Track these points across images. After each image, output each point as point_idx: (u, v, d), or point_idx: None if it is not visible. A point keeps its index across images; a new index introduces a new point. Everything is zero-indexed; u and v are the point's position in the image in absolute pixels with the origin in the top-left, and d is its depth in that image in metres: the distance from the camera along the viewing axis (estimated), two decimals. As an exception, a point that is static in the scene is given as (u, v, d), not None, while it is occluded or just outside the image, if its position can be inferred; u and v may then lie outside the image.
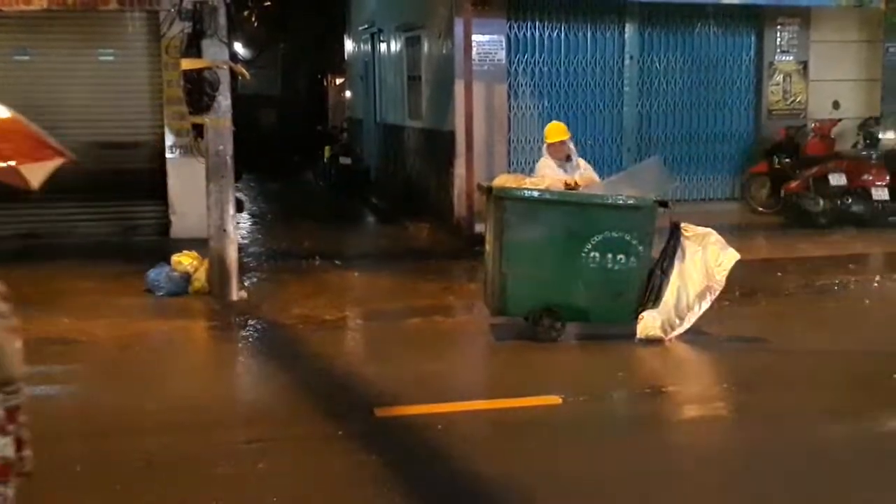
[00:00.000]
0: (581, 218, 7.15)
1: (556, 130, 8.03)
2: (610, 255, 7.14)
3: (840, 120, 12.66)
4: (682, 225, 7.26)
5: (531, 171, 8.25)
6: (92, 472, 4.81)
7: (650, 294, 7.18)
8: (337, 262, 10.45)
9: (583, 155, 12.11)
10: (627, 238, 7.14)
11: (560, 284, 7.16)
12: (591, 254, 7.14)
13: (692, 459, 5.11)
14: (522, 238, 7.16)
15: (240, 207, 11.47)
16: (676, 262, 7.17)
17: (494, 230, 7.31)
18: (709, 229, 7.33)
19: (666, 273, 7.18)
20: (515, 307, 7.33)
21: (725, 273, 7.12)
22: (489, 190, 7.43)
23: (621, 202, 7.19)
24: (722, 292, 7.18)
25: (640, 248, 7.16)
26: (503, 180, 7.76)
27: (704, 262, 7.13)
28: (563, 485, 4.69)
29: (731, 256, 7.16)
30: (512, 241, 7.16)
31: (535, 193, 7.23)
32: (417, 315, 8.06)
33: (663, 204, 7.26)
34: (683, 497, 4.59)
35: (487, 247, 7.51)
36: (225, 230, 8.44)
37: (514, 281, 7.19)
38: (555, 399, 5.86)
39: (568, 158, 7.97)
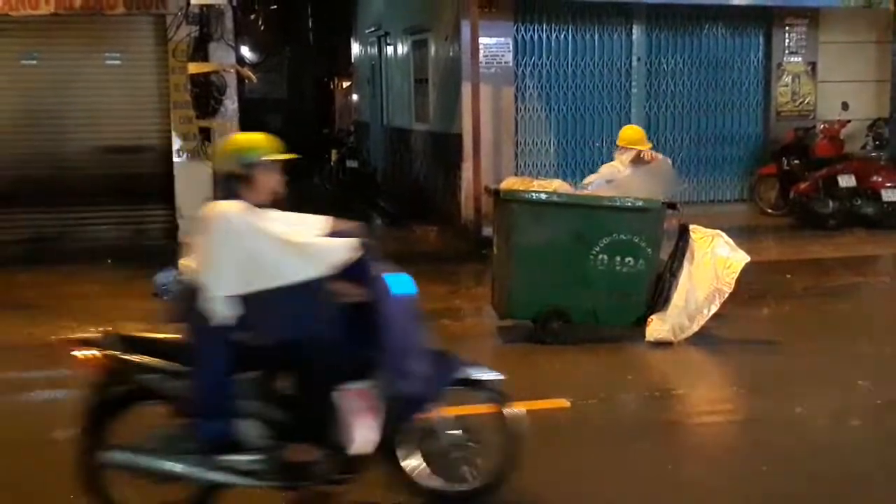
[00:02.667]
0: (589, 220, 7.12)
1: (642, 138, 7.75)
2: (618, 258, 7.12)
3: (849, 121, 12.60)
4: (691, 227, 7.24)
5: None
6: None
7: (659, 297, 7.15)
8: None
9: (591, 158, 12.18)
10: (636, 240, 7.11)
11: (568, 287, 7.13)
12: (600, 256, 7.11)
13: (702, 463, 5.08)
14: (530, 241, 7.14)
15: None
16: (685, 265, 7.14)
17: (502, 233, 7.29)
18: (718, 231, 7.29)
19: (675, 275, 7.16)
20: (523, 310, 7.30)
21: (735, 275, 7.08)
22: (497, 193, 7.41)
23: (629, 204, 7.16)
24: (731, 294, 7.14)
25: (649, 250, 7.13)
26: (511, 183, 7.74)
27: (713, 264, 7.10)
28: (573, 489, 4.66)
29: (740, 259, 7.12)
30: (520, 244, 7.14)
31: (543, 196, 7.20)
32: (425, 318, 8.00)
33: (672, 206, 7.23)
34: (694, 501, 4.56)
35: (495, 250, 7.49)
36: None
37: (522, 284, 7.17)
38: (563, 402, 5.84)
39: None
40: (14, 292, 8.81)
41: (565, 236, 7.12)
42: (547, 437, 5.35)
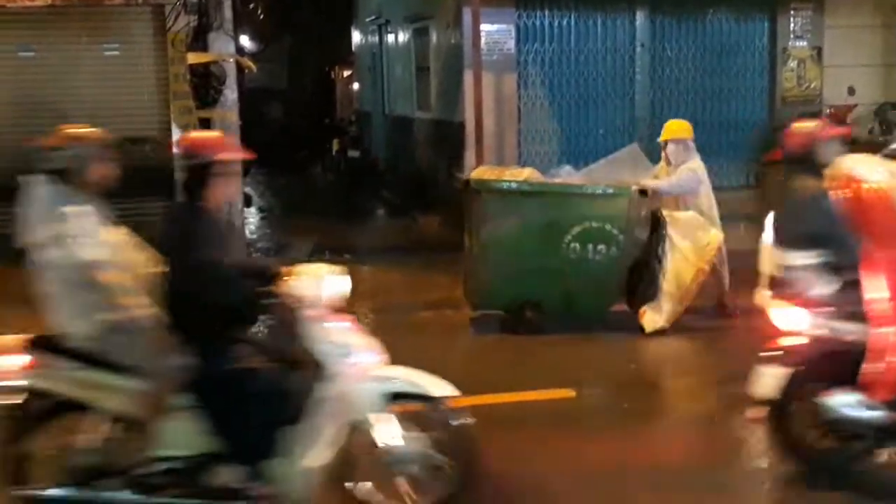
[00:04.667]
0: (560, 208, 7.07)
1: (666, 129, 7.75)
2: (590, 246, 7.07)
3: (855, 106, 12.50)
4: (665, 213, 7.18)
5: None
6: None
7: (649, 287, 7.14)
8: (346, 255, 10.35)
9: (595, 145, 12.08)
10: (608, 227, 7.06)
11: (540, 276, 7.09)
12: (572, 244, 7.06)
13: (710, 452, 5.03)
14: (501, 230, 7.08)
15: (248, 202, 11.41)
16: (667, 251, 7.10)
17: (473, 223, 7.22)
18: (691, 213, 7.25)
19: (661, 262, 7.12)
20: (495, 301, 7.25)
21: (714, 252, 7.10)
22: (467, 182, 7.36)
23: (600, 191, 7.10)
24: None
25: (621, 237, 7.09)
26: (481, 172, 7.70)
27: (693, 245, 7.08)
28: (581, 478, 4.62)
29: (715, 236, 7.14)
30: (490, 234, 7.08)
31: (513, 185, 7.16)
32: (428, 308, 8.00)
33: (643, 192, 7.17)
34: (700, 491, 4.51)
35: (466, 240, 7.42)
36: (233, 225, 8.37)
37: (494, 274, 7.12)
38: (569, 392, 5.80)
39: (668, 162, 7.57)
40: (10, 288, 8.73)
41: (536, 225, 7.06)
42: (554, 427, 5.30)
